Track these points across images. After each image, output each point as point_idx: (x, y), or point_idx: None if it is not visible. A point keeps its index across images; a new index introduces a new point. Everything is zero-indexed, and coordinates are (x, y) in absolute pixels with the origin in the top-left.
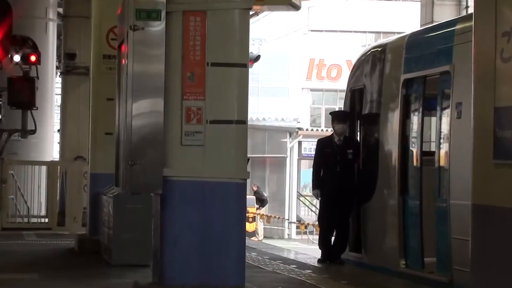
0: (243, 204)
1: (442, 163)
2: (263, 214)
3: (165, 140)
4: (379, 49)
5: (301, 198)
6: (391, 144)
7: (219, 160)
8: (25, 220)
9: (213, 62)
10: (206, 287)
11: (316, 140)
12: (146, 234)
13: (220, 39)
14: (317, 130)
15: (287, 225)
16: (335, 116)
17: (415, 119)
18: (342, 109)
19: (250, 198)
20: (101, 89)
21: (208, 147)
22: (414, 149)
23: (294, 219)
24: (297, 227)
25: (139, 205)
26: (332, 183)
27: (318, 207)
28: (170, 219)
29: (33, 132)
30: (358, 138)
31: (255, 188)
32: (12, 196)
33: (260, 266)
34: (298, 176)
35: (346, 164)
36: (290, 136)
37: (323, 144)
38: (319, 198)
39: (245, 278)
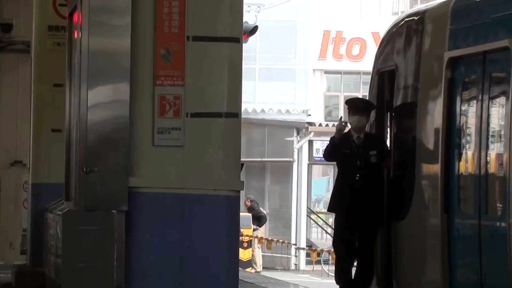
0: (235, 224)
1: (500, 169)
2: (262, 238)
3: (132, 139)
4: (416, 19)
5: (313, 216)
6: (433, 143)
7: (203, 166)
8: None
9: (196, 36)
10: None
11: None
12: (107, 264)
13: (204, 5)
14: (333, 125)
15: (294, 252)
16: (352, 105)
17: (465, 110)
18: (366, 97)
19: (245, 216)
20: (47, 72)
21: (189, 148)
22: (465, 150)
23: (303, 244)
24: (308, 255)
25: (97, 226)
26: (350, 197)
27: (333, 228)
28: (139, 245)
29: None
30: (389, 137)
31: (248, 203)
32: None
33: None
34: (309, 186)
35: (369, 171)
36: (297, 133)
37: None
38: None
39: None
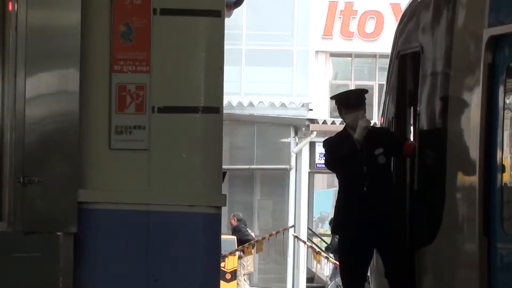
0: (215, 250)
1: None
2: (249, 267)
3: (83, 141)
4: None
5: (315, 240)
6: (468, 146)
7: (174, 175)
8: None
9: (165, 9)
10: None
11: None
12: None
13: None
14: (341, 123)
15: (292, 285)
16: (342, 102)
17: (510, 104)
18: (385, 86)
19: (229, 239)
20: None
21: (156, 152)
22: (510, 155)
23: (303, 277)
24: None
25: (37, 252)
26: (357, 213)
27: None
28: (90, 277)
29: None
30: (412, 136)
31: (234, 223)
32: None
33: None
34: (310, 201)
35: (377, 176)
36: (296, 133)
37: (336, 146)
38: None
39: None
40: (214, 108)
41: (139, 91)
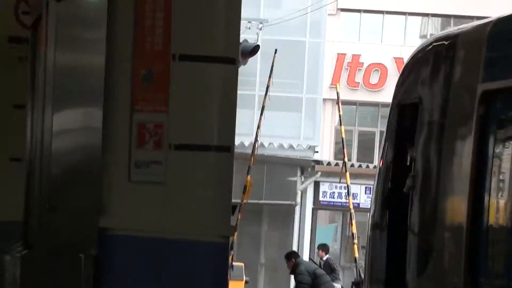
0: (223, 276)
1: None
2: None
3: (104, 173)
4: (446, 43)
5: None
6: (459, 192)
7: (188, 207)
8: None
9: (183, 54)
10: None
11: (339, 181)
12: None
13: (194, 18)
14: (343, 165)
15: None
16: None
17: (499, 153)
18: (385, 132)
19: (237, 266)
20: (6, 90)
21: (172, 185)
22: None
23: None
24: None
25: (61, 272)
26: None
27: None
28: None
29: None
30: (408, 182)
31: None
32: None
33: None
34: (312, 235)
35: None
36: (302, 173)
37: None
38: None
39: None
40: (226, 147)
41: (157, 129)
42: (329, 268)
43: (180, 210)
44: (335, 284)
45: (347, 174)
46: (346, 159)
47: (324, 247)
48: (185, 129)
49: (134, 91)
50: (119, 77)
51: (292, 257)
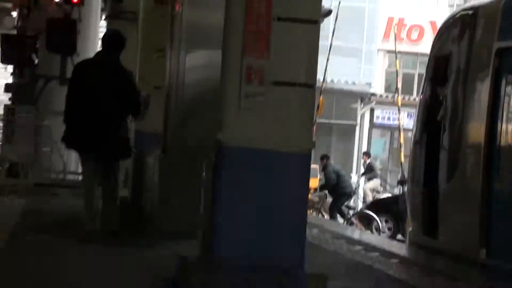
0: (306, 178)
1: None
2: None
3: (222, 101)
4: (470, 13)
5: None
6: (477, 121)
7: (282, 126)
8: (60, 176)
9: (280, 17)
10: (262, 268)
11: (390, 108)
12: (194, 202)
13: None
14: (392, 97)
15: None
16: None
17: (510, 94)
18: (424, 75)
19: (313, 168)
20: (151, 39)
21: (270, 112)
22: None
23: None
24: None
25: (189, 169)
26: None
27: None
28: (224, 189)
29: None
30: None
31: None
32: (47, 148)
33: (321, 245)
34: (368, 146)
35: None
36: (361, 101)
37: None
38: None
39: (305, 260)
40: (310, 85)
41: (261, 70)
42: (370, 169)
43: (277, 128)
44: (374, 180)
45: (399, 98)
46: (399, 85)
47: (367, 154)
48: (281, 70)
49: (244, 42)
50: (234, 31)
51: (325, 158)
